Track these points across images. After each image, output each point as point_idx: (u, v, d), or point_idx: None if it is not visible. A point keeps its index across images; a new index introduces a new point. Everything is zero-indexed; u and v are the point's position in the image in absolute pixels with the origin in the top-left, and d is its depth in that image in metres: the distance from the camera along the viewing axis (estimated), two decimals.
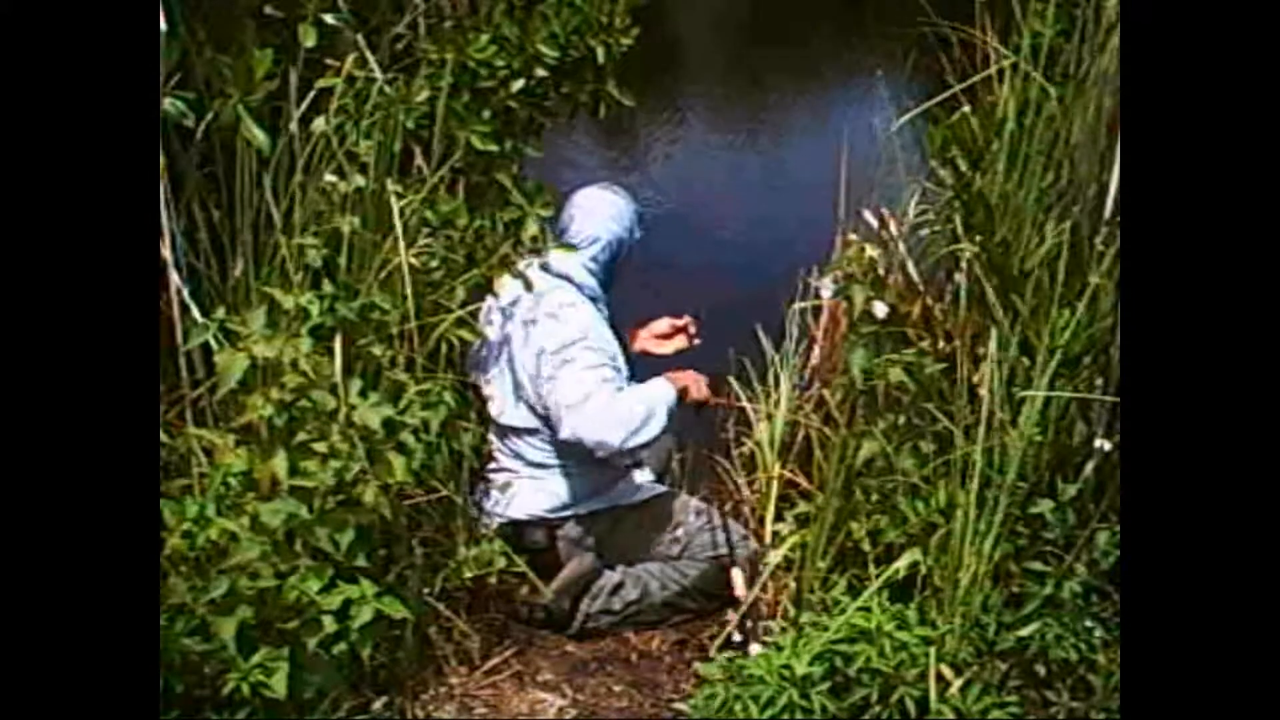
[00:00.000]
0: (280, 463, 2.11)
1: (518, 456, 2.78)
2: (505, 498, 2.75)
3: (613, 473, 2.83)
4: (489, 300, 2.78)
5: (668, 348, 3.08)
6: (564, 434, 2.61)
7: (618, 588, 2.77)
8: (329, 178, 2.52)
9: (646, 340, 3.10)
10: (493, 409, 2.78)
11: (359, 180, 2.49)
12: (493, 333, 2.78)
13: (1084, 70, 2.75)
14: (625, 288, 2.98)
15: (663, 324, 3.10)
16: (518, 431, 2.76)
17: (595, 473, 2.78)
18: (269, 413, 2.13)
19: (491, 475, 2.79)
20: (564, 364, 2.62)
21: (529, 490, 2.76)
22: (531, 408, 2.72)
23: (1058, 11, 2.89)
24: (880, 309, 2.52)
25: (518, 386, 2.73)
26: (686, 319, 3.09)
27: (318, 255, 2.44)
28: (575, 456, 2.73)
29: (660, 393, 2.67)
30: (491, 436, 2.80)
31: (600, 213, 2.87)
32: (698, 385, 2.76)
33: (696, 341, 3.09)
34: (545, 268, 2.76)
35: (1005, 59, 2.92)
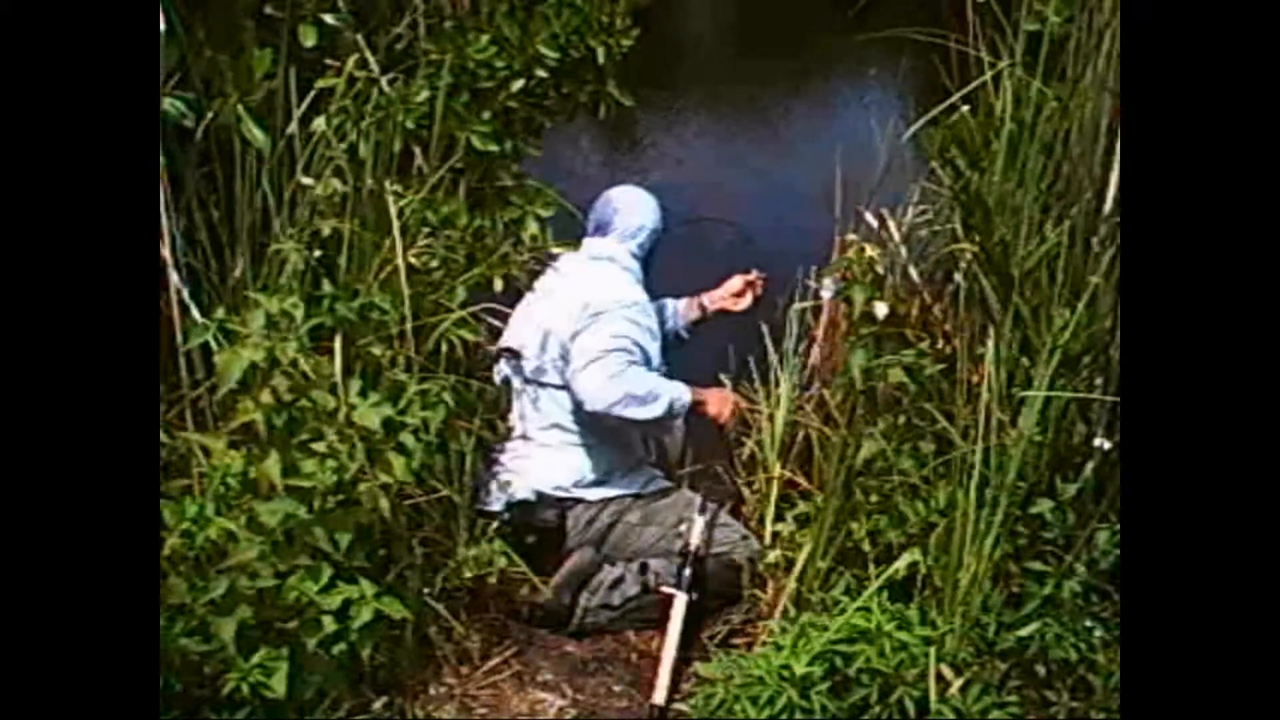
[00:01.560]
0: (273, 464, 2.11)
1: (540, 415, 2.83)
2: (519, 473, 2.79)
3: (624, 456, 2.88)
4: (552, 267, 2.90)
5: (743, 304, 3.24)
6: (569, 380, 2.74)
7: (618, 582, 2.77)
8: (304, 180, 2.51)
9: (725, 300, 3.25)
10: (525, 365, 2.84)
11: (335, 183, 2.50)
12: (535, 307, 2.86)
13: (1083, 71, 2.75)
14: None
15: (736, 282, 3.24)
16: (546, 388, 2.82)
17: (609, 451, 2.84)
18: (259, 416, 2.13)
19: (508, 446, 2.84)
20: (596, 317, 2.76)
21: (543, 464, 2.80)
22: (566, 360, 2.80)
23: (1059, 3, 2.88)
24: (881, 309, 2.52)
25: (556, 340, 2.80)
26: (754, 274, 3.23)
27: (301, 259, 2.44)
28: (592, 431, 2.82)
29: (674, 388, 2.80)
30: (514, 399, 2.86)
31: (641, 205, 3.03)
32: (722, 406, 2.89)
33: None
34: (596, 256, 2.92)
35: (1002, 62, 2.92)
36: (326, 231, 2.47)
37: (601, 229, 2.98)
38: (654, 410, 2.74)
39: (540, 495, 2.79)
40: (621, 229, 2.98)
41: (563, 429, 2.84)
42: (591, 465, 2.84)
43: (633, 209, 3.01)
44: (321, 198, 2.54)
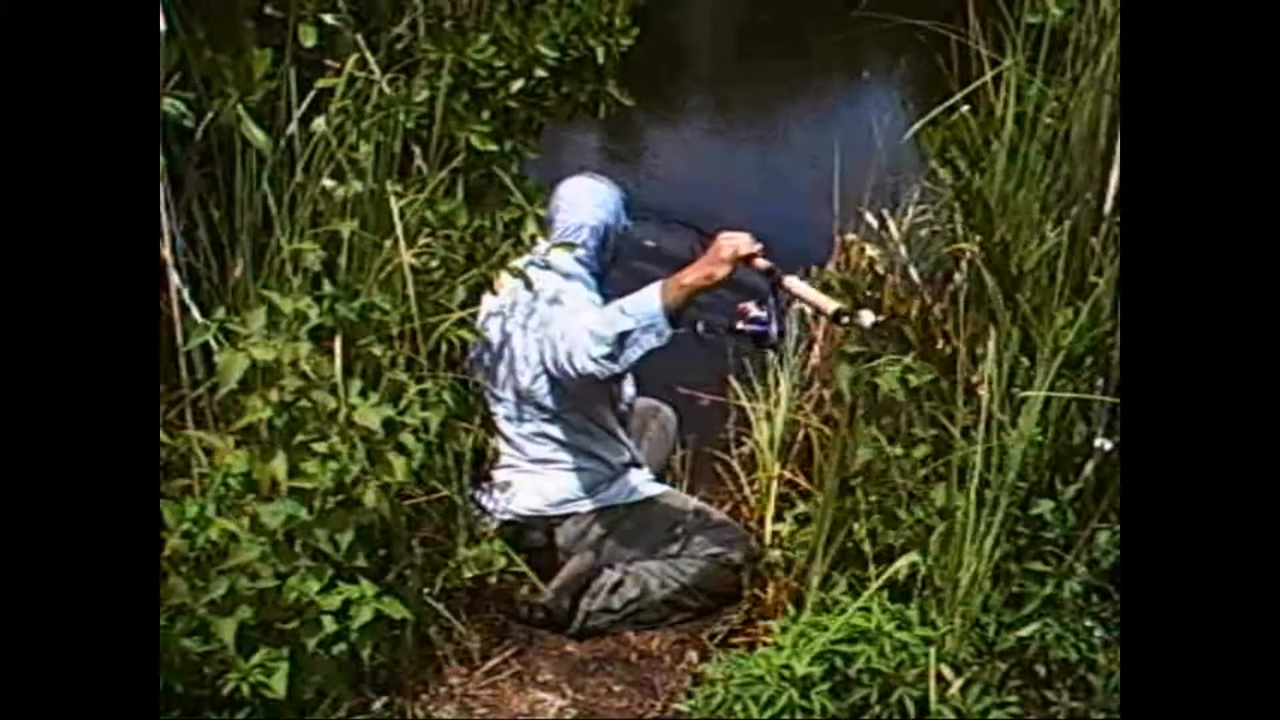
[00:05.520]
0: (280, 464, 2.11)
1: (518, 452, 2.79)
2: (505, 496, 2.76)
3: (611, 471, 2.83)
4: (486, 300, 2.79)
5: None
6: (560, 365, 2.54)
7: (617, 586, 2.77)
8: (327, 182, 2.51)
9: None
10: (494, 406, 2.79)
11: (356, 186, 2.49)
12: (493, 330, 2.79)
13: (1083, 70, 2.75)
14: (625, 288, 2.97)
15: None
16: (517, 426, 2.78)
17: (593, 469, 2.79)
18: (268, 415, 2.13)
19: (494, 473, 2.79)
20: (554, 307, 2.66)
21: (528, 487, 2.76)
22: (530, 399, 2.74)
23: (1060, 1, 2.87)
24: (867, 318, 2.45)
25: (516, 378, 2.74)
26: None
27: (316, 259, 2.44)
28: (573, 451, 2.76)
29: (641, 303, 2.48)
30: (496, 436, 2.81)
31: (584, 201, 2.87)
32: (717, 259, 2.49)
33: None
34: (533, 261, 2.78)
35: (1004, 61, 2.91)
36: (346, 234, 2.46)
37: (548, 225, 2.84)
38: (635, 347, 2.45)
39: (527, 518, 2.76)
40: (561, 230, 2.84)
41: (542, 461, 2.77)
42: (574, 484, 2.78)
43: (576, 206, 2.85)
44: (323, 199, 2.54)
